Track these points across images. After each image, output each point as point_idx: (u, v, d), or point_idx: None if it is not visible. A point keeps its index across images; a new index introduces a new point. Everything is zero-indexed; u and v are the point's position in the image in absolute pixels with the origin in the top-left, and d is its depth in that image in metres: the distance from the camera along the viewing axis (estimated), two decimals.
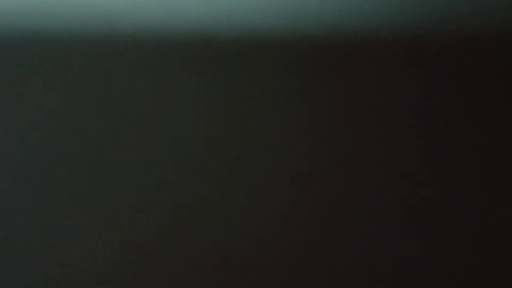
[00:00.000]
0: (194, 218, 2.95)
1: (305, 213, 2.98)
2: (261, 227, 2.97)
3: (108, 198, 2.93)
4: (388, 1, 2.59)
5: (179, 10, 2.67)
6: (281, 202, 2.97)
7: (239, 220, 2.96)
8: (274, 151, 2.98)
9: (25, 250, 2.89)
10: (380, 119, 3.02)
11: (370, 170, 3.00)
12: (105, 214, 2.92)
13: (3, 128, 2.91)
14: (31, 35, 2.90)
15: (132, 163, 2.94)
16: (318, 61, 3.00)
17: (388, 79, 3.03)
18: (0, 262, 2.88)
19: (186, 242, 2.95)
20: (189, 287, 2.93)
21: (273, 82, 3.00)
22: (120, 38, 2.93)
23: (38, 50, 2.94)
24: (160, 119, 2.96)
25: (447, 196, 3.01)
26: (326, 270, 2.97)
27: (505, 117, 3.04)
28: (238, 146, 2.98)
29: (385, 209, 2.99)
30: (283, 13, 2.71)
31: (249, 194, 2.96)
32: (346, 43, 2.99)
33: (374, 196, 2.99)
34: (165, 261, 2.93)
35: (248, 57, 2.99)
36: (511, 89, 3.05)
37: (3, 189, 2.90)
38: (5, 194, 2.90)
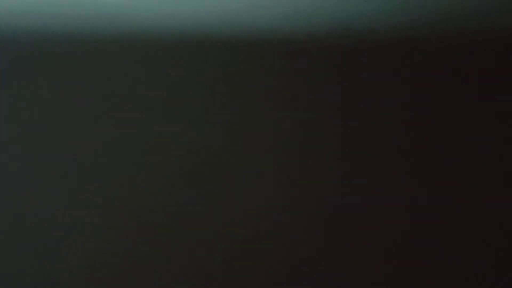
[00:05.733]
0: (194, 218, 2.96)
1: (305, 213, 2.98)
2: (260, 227, 2.97)
3: (106, 199, 2.93)
4: (388, 1, 2.60)
5: (179, 10, 2.68)
6: (281, 202, 2.98)
7: (238, 221, 2.96)
8: (274, 151, 2.99)
9: (24, 250, 2.90)
10: (380, 119, 3.02)
11: (370, 170, 3.01)
12: (104, 215, 2.93)
13: (3, 128, 2.92)
14: (31, 35, 2.91)
15: (130, 163, 2.95)
16: (319, 61, 3.01)
17: (389, 79, 3.03)
18: (0, 262, 2.89)
19: (186, 242, 2.95)
20: None
21: (273, 82, 3.00)
22: (120, 38, 2.94)
23: (38, 50, 2.94)
24: (159, 119, 2.97)
25: (447, 196, 3.02)
26: (324, 270, 2.98)
27: (505, 117, 3.05)
28: (238, 146, 2.98)
29: (384, 208, 3.00)
30: (283, 13, 2.71)
31: (248, 195, 2.97)
32: (347, 43, 3.00)
33: (373, 196, 3.00)
34: (164, 263, 2.94)
35: (248, 57, 2.99)
36: (510, 90, 3.06)
37: (4, 189, 2.90)
38: (5, 194, 2.90)
